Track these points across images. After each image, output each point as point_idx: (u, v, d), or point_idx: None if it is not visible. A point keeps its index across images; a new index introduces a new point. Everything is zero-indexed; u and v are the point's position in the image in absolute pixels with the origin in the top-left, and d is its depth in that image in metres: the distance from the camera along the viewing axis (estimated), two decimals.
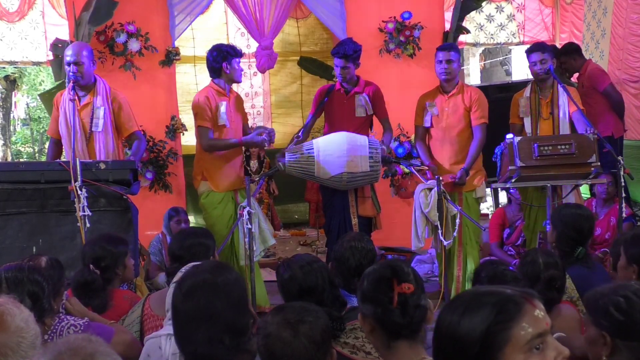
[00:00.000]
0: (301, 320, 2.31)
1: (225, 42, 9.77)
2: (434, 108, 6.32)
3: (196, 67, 9.98)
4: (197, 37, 9.89)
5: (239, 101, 6.34)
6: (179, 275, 3.15)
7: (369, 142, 5.98)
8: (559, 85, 6.15)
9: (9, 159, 19.38)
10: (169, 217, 6.82)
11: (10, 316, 2.07)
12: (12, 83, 19.65)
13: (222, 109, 5.98)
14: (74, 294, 3.93)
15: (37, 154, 21.78)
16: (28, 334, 2.06)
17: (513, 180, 5.72)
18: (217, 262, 2.72)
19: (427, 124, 6.39)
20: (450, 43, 7.08)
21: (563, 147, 5.57)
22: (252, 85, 10.53)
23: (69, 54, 5.80)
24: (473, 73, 19.71)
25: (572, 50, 7.75)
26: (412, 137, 7.35)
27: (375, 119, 6.51)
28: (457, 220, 5.87)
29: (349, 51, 6.21)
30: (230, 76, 6.10)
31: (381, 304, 2.46)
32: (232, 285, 2.51)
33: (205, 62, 9.64)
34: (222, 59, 6.04)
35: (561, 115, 6.18)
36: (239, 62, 6.15)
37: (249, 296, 2.62)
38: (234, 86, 6.41)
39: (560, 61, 7.45)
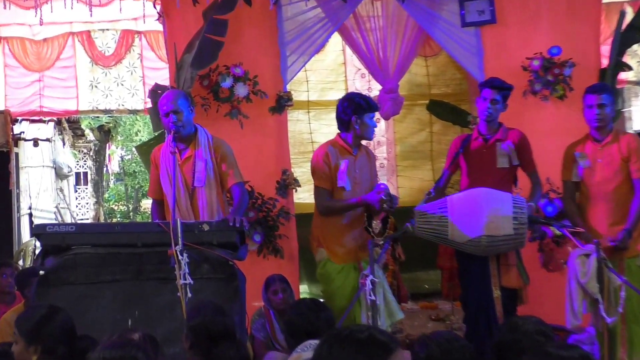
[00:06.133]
0: None
1: (343, 85, 9.93)
2: (586, 160, 6.23)
3: (310, 114, 10.10)
4: (311, 80, 10.04)
5: (368, 159, 6.35)
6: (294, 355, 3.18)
7: (513, 200, 5.88)
8: None
9: (102, 218, 19.99)
10: (265, 287, 6.81)
11: None
12: (106, 134, 20.41)
13: (342, 168, 6.02)
14: None
15: (131, 213, 22.44)
16: None
17: None
18: None
19: (577, 178, 6.31)
20: (601, 83, 6.91)
21: None
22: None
23: (164, 103, 5.93)
24: (637, 116, 19.23)
25: None
26: None
27: (520, 172, 6.42)
28: (622, 293, 5.69)
29: (501, 83, 6.26)
30: (360, 132, 6.11)
31: None
32: None
33: (319, 107, 9.96)
34: (352, 112, 6.04)
35: None
36: (373, 117, 6.18)
37: None
38: None
39: None
